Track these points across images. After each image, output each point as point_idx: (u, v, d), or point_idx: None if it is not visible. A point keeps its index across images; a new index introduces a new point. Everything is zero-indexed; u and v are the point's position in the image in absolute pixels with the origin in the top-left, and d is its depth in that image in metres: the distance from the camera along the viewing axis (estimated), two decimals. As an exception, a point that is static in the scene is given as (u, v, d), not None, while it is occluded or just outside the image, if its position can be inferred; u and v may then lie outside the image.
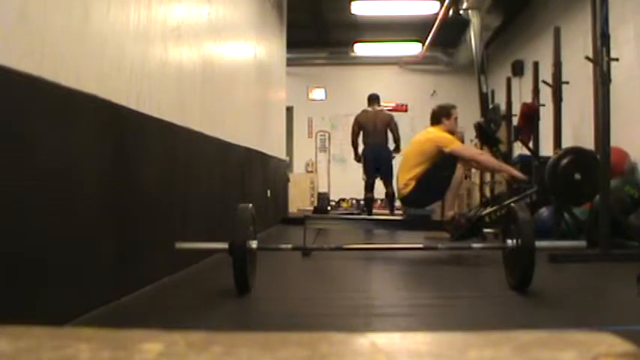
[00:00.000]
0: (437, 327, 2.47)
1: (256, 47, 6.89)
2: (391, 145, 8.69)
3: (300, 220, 5.03)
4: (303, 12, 10.45)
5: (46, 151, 2.23)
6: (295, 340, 0.54)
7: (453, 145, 5.13)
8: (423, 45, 12.04)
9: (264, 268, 3.48)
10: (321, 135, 13.74)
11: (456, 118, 5.41)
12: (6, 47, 1.97)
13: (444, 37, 11.26)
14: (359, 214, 9.34)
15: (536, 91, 6.58)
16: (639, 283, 2.82)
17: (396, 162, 6.49)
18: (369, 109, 8.75)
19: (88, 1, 2.58)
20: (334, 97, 13.69)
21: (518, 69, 9.95)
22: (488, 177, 8.42)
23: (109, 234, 2.79)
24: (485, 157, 5.54)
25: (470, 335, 0.56)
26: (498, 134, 5.88)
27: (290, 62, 10.41)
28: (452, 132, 5.34)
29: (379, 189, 8.72)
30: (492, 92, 7.93)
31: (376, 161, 8.54)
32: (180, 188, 3.86)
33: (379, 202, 10.32)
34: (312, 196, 11.91)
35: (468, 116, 8.76)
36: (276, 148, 8.38)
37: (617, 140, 5.01)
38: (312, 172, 13.16)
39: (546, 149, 6.44)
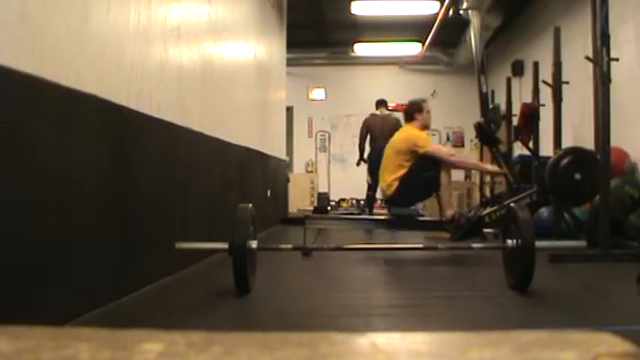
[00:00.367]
0: (437, 327, 2.47)
1: (256, 47, 6.89)
2: None
3: (300, 220, 5.03)
4: (303, 12, 10.45)
5: (46, 151, 2.23)
6: (295, 340, 0.54)
7: (427, 146, 5.12)
8: (423, 45, 12.03)
9: (264, 268, 3.48)
10: (321, 135, 13.74)
11: (428, 111, 5.37)
12: (6, 47, 1.97)
13: (444, 37, 11.26)
14: (359, 214, 9.35)
15: (536, 91, 6.59)
16: (639, 283, 2.82)
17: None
18: (378, 112, 8.82)
19: (88, 1, 2.58)
20: (334, 97, 13.69)
21: (518, 69, 9.95)
22: (488, 177, 8.42)
23: (109, 234, 2.79)
24: (456, 158, 5.58)
25: (470, 335, 0.56)
26: (498, 134, 5.87)
27: (290, 62, 10.42)
28: (426, 126, 5.35)
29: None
30: (492, 92, 7.94)
31: (381, 163, 8.55)
32: (180, 188, 3.86)
33: (379, 202, 10.31)
34: (312, 196, 11.91)
35: (468, 116, 8.77)
36: (276, 148, 8.38)
37: (617, 140, 5.00)
38: (312, 172, 13.16)
39: (546, 149, 6.44)
